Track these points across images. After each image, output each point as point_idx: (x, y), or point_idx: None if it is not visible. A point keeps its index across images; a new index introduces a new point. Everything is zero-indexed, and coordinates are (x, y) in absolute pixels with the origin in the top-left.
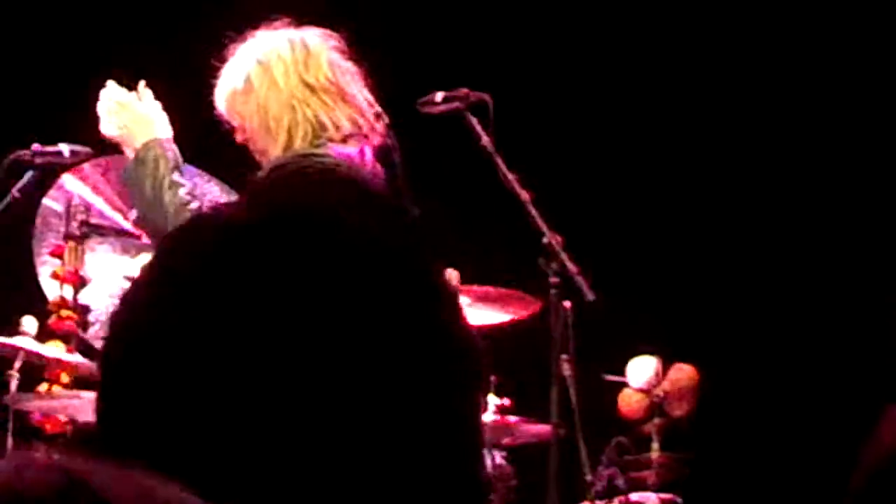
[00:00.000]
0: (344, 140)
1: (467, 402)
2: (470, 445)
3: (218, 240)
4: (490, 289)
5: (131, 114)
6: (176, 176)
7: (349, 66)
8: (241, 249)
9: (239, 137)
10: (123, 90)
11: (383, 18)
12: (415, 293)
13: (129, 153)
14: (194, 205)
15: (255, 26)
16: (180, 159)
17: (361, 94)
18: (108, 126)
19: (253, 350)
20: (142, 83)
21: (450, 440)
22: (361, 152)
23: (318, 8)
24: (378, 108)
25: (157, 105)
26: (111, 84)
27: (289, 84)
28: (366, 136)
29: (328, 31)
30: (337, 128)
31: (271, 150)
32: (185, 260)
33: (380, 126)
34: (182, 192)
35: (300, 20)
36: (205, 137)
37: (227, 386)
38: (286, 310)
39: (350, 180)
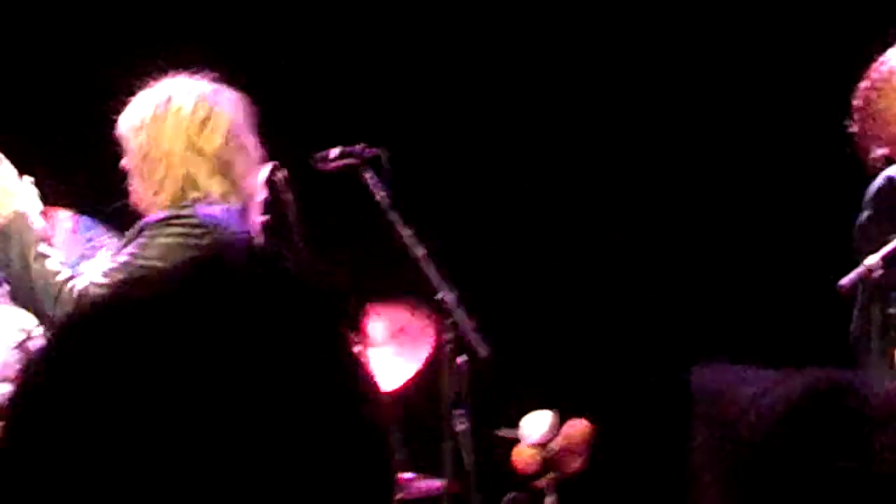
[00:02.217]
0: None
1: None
2: None
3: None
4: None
5: None
6: (42, 247)
7: (246, 138)
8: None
9: (123, 163)
10: None
11: (280, 73)
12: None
13: None
14: (61, 276)
15: (182, 70)
16: (48, 229)
17: (248, 171)
18: None
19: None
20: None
21: None
22: (227, 211)
23: (219, 62)
24: (272, 165)
25: (19, 178)
26: None
27: (175, 141)
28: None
29: (238, 97)
30: (206, 195)
31: (141, 192)
32: (78, 343)
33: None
34: (49, 262)
35: (198, 72)
36: None
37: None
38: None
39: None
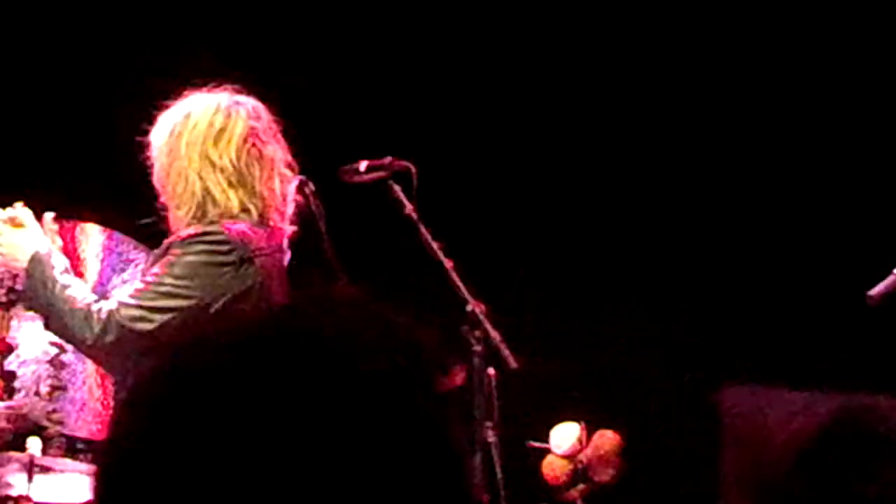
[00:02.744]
0: (232, 218)
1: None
2: None
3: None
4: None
5: (6, 241)
6: (64, 279)
7: (265, 148)
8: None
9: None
10: None
11: (308, 86)
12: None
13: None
14: (88, 299)
15: (206, 84)
16: (67, 262)
17: (268, 180)
18: None
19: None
20: (18, 204)
21: None
22: (253, 228)
23: (247, 75)
24: (300, 179)
25: (30, 222)
26: None
27: (191, 155)
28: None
29: (258, 107)
30: (227, 209)
31: (168, 204)
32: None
33: (285, 209)
34: (72, 291)
35: (227, 84)
36: None
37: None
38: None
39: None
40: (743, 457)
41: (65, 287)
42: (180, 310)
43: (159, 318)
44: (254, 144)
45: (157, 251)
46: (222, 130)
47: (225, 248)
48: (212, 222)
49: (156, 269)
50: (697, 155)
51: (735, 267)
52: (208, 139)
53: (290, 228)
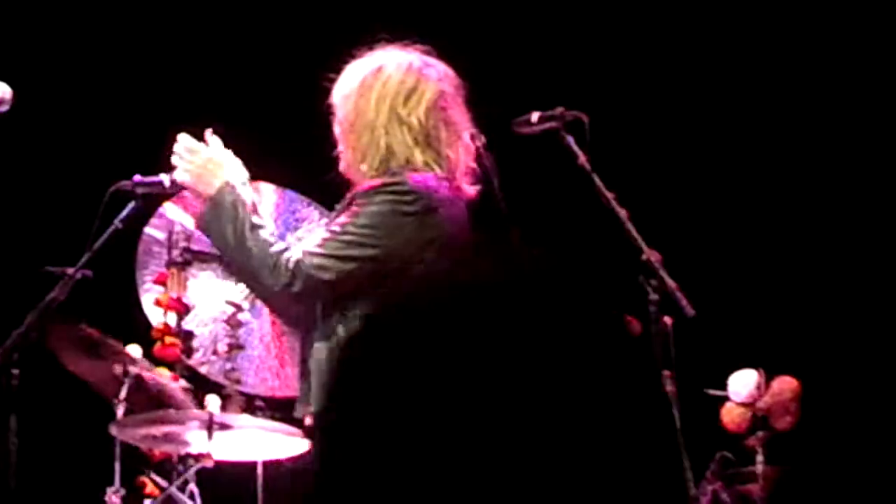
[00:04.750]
0: (416, 170)
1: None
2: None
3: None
4: None
5: (202, 160)
6: (256, 218)
7: (452, 113)
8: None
9: (335, 129)
10: (193, 139)
11: (477, 40)
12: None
13: (201, 201)
14: (276, 247)
15: (396, 41)
16: (257, 200)
17: (453, 145)
18: (181, 173)
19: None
20: (209, 131)
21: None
22: (437, 179)
23: (420, 29)
24: (473, 131)
25: (228, 151)
26: (182, 135)
27: (379, 109)
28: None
29: (449, 71)
30: (409, 163)
31: (347, 160)
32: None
33: (467, 165)
34: (263, 233)
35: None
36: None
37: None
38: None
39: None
40: None
41: (255, 227)
42: (364, 259)
43: (344, 266)
44: (443, 108)
45: (341, 203)
46: (413, 90)
47: (409, 197)
48: (395, 173)
49: (340, 219)
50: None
51: None
52: (399, 95)
53: (472, 189)
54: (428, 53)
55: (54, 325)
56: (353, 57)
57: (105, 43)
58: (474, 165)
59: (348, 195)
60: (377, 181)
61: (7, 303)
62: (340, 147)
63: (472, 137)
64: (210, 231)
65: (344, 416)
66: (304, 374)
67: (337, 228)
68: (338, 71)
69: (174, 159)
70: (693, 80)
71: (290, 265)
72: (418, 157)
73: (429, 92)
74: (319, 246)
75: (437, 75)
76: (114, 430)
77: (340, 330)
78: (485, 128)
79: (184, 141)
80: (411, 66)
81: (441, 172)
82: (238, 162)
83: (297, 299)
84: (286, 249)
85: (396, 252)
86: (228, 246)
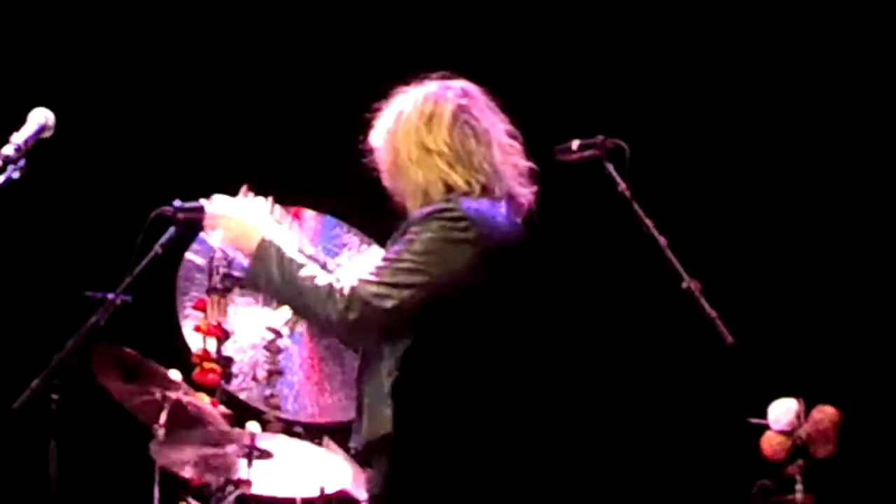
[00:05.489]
0: (465, 194)
1: None
2: None
3: None
4: None
5: (237, 223)
6: (300, 257)
7: (479, 122)
8: None
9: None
10: (226, 200)
11: (519, 68)
12: None
13: (244, 259)
14: (327, 278)
15: (419, 76)
16: (298, 236)
17: (486, 153)
18: (219, 238)
19: None
20: (244, 188)
21: None
22: (492, 204)
23: (459, 60)
24: (510, 129)
25: (258, 202)
26: (216, 197)
27: (409, 149)
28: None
29: (467, 86)
30: (448, 186)
31: (402, 201)
32: None
33: (516, 178)
34: (309, 269)
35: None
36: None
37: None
38: None
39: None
40: None
41: (301, 266)
42: (420, 286)
43: (400, 293)
44: (465, 121)
45: (396, 233)
46: (432, 115)
47: (462, 224)
48: (448, 199)
49: (396, 247)
50: None
51: None
52: (421, 128)
53: (527, 193)
54: (447, 78)
55: (96, 347)
56: (390, 93)
57: (148, 70)
58: (524, 163)
59: (405, 221)
60: (430, 207)
61: (48, 328)
62: (387, 182)
63: (512, 136)
64: (259, 282)
65: (419, 438)
66: (361, 404)
67: (392, 256)
68: (374, 100)
69: (209, 223)
70: (735, 109)
71: (346, 293)
72: (456, 179)
73: (447, 111)
74: (375, 274)
75: (454, 92)
76: (153, 453)
77: (400, 356)
78: (527, 156)
79: (217, 204)
80: (427, 94)
81: (477, 186)
82: (264, 214)
83: (354, 327)
84: (337, 280)
85: (451, 279)
86: (280, 290)
